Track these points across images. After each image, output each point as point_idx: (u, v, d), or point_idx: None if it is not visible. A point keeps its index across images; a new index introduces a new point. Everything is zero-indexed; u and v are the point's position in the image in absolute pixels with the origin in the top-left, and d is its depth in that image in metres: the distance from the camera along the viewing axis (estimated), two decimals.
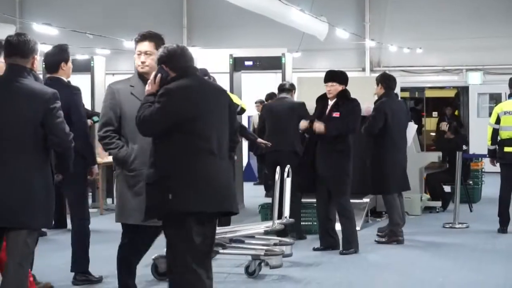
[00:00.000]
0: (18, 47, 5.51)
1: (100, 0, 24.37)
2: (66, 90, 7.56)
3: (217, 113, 5.44)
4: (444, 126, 14.57)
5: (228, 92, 6.28)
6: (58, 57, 7.69)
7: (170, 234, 5.35)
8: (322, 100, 9.86)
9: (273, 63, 13.83)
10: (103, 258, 8.08)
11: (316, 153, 9.64)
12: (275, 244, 8.54)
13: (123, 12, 24.13)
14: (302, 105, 10.81)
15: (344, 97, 9.66)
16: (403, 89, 21.85)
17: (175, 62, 5.45)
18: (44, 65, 7.89)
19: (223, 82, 12.52)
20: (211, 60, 14.67)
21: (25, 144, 5.32)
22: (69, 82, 7.77)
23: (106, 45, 21.19)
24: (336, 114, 9.58)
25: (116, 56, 21.87)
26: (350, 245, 9.50)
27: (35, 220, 5.36)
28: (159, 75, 5.47)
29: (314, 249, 9.68)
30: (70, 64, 7.74)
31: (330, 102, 9.71)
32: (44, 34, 17.20)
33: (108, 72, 15.59)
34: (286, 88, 11.15)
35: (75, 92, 7.65)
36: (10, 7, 23.89)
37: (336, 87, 9.65)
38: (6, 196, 5.26)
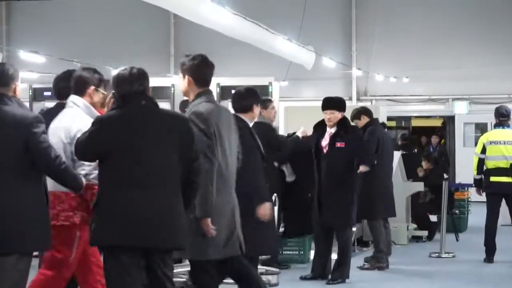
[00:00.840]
0: None
1: (88, 29, 24.40)
2: None
3: (153, 143, 5.23)
4: (425, 165, 14.75)
5: None
6: (66, 83, 7.67)
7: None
8: (319, 127, 9.63)
9: (260, 92, 13.79)
10: None
11: (322, 186, 9.41)
12: (261, 274, 8.50)
13: (111, 41, 24.16)
14: (263, 129, 9.38)
15: (345, 126, 9.46)
16: (389, 118, 21.89)
17: (119, 88, 5.37)
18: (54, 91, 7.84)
19: None
20: None
21: (13, 169, 5.30)
22: None
23: None
24: (341, 144, 9.33)
25: None
26: (341, 275, 9.44)
27: (25, 244, 5.32)
28: (112, 99, 5.47)
29: (302, 278, 9.61)
30: None
31: (329, 130, 9.47)
32: (31, 62, 17.20)
33: None
34: None
35: None
36: None
37: (336, 115, 9.42)
38: None
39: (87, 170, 5.78)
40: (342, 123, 9.47)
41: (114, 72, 5.46)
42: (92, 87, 6.08)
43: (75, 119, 5.87)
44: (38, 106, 13.49)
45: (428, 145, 24.45)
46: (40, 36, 24.04)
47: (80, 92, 6.12)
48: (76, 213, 5.81)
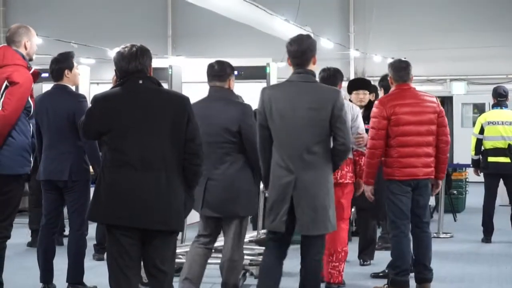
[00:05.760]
0: None
1: (85, 10, 24.35)
2: (71, 98, 7.58)
3: (144, 123, 5.15)
4: None
5: None
6: (61, 65, 7.67)
7: None
8: None
9: (258, 73, 13.79)
10: (90, 268, 8.05)
11: None
12: (259, 254, 8.52)
13: (108, 22, 24.12)
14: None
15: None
16: None
17: (117, 66, 5.31)
18: (50, 73, 7.83)
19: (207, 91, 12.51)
20: (196, 69, 14.67)
21: None
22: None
23: (91, 55, 21.17)
24: (368, 126, 8.57)
25: (101, 65, 21.85)
26: (366, 256, 9.57)
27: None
28: (115, 77, 5.51)
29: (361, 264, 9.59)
30: (75, 71, 7.70)
31: None
32: None
33: (92, 81, 15.57)
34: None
35: (81, 100, 7.62)
36: None
37: (368, 96, 9.42)
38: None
39: None
40: (370, 105, 9.31)
41: (116, 49, 5.40)
42: None
43: None
44: (36, 88, 13.42)
45: None
46: (37, 18, 23.97)
47: None
48: (352, 174, 8.02)
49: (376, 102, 8.00)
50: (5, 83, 6.44)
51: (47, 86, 7.86)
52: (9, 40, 6.78)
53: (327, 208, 6.17)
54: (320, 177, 6.15)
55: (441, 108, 8.02)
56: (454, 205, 13.89)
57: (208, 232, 7.00)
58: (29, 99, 6.60)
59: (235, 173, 6.73)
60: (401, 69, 7.87)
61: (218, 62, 7.02)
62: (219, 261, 8.36)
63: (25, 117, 6.58)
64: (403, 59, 8.05)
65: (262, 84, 14.62)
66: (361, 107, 9.34)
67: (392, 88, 7.90)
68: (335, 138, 6.16)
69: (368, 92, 9.41)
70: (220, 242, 8.51)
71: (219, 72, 6.95)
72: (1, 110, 6.38)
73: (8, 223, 6.57)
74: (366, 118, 8.97)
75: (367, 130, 8.57)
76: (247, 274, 8.21)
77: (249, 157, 6.76)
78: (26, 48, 6.81)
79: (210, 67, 6.99)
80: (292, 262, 9.52)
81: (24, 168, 6.56)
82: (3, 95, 6.41)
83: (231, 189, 6.73)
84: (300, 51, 6.34)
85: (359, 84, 9.56)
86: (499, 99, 11.48)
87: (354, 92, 9.43)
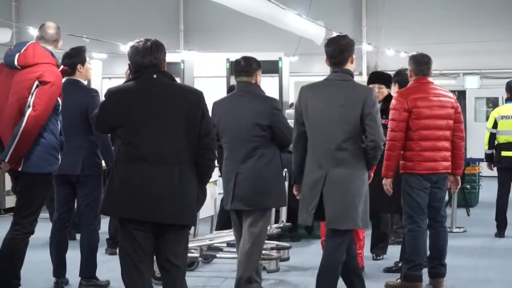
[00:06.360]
0: None
1: (97, 4, 24.37)
2: (84, 93, 7.59)
3: (156, 118, 5.14)
4: None
5: None
6: (74, 59, 7.67)
7: None
8: None
9: (270, 67, 13.77)
10: (103, 262, 8.06)
11: None
12: (272, 248, 8.51)
13: (120, 16, 24.14)
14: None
15: (390, 102, 8.71)
16: None
17: (131, 60, 5.29)
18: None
19: (220, 86, 12.52)
20: (208, 64, 14.70)
21: None
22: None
23: (103, 49, 21.18)
24: (385, 122, 8.15)
25: (112, 59, 21.87)
26: (379, 250, 9.55)
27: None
28: (128, 71, 5.51)
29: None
30: (88, 65, 7.72)
31: None
32: None
33: (105, 76, 15.61)
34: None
35: (93, 94, 7.63)
36: (6, 11, 23.91)
37: (384, 90, 9.24)
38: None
39: None
40: (387, 100, 9.18)
41: (130, 43, 5.38)
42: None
43: None
44: None
45: None
46: (49, 12, 24.01)
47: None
48: None
49: (395, 94, 7.97)
50: (36, 82, 6.43)
51: None
52: (51, 38, 6.76)
53: (356, 204, 6.19)
54: (351, 174, 6.19)
55: (458, 104, 7.95)
56: (467, 200, 13.84)
57: (238, 228, 7.03)
58: (58, 97, 6.60)
59: (264, 166, 6.83)
60: (422, 63, 7.90)
61: (244, 58, 7.13)
62: (229, 255, 8.37)
63: (55, 116, 6.59)
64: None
65: (275, 79, 14.66)
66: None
67: (411, 82, 7.87)
68: (365, 135, 6.21)
69: (385, 86, 9.29)
70: (231, 236, 8.53)
71: (246, 68, 7.05)
72: (32, 110, 6.38)
73: (33, 219, 6.61)
74: (383, 112, 8.85)
75: (384, 125, 7.99)
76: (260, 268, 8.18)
77: (280, 149, 6.93)
78: (57, 47, 6.82)
79: (237, 63, 7.09)
80: (304, 257, 9.54)
81: (52, 166, 6.62)
82: (33, 95, 6.41)
83: (260, 181, 6.82)
84: (338, 50, 6.42)
85: (374, 78, 9.48)
86: None
87: (370, 85, 9.33)
